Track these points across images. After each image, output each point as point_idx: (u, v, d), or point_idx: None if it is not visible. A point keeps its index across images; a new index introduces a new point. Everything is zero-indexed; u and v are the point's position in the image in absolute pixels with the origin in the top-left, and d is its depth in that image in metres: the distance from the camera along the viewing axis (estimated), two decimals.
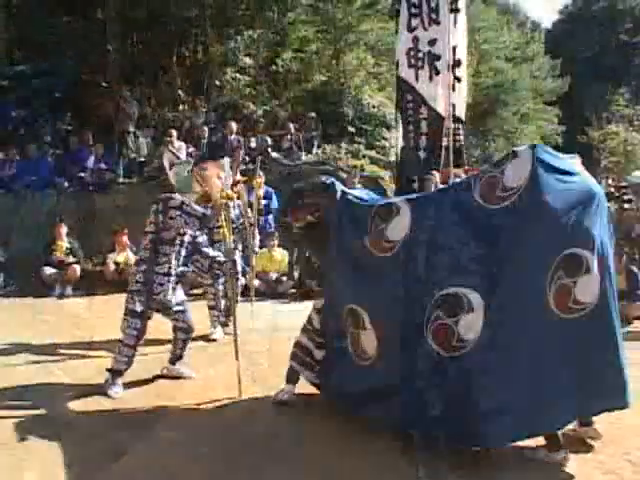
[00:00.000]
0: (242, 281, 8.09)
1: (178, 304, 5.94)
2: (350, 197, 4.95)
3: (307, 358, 5.24)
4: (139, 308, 5.73)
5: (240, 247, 7.84)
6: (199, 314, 6.97)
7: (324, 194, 5.01)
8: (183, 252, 5.97)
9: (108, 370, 5.76)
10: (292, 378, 5.36)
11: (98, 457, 4.32)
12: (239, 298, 7.58)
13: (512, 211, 4.07)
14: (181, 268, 6.05)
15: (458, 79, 12.33)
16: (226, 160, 6.94)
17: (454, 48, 12.13)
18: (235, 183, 6.91)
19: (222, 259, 7.06)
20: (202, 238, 7.07)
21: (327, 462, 4.23)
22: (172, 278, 5.84)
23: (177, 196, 5.82)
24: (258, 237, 8.62)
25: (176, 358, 6.12)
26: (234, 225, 7.33)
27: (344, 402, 4.90)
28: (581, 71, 44.59)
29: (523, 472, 4.06)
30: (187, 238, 5.98)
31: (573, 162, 4.32)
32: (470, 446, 4.19)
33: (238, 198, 6.55)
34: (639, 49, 52.87)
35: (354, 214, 4.81)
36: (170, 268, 5.82)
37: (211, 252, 7.26)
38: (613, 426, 4.57)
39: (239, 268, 7.79)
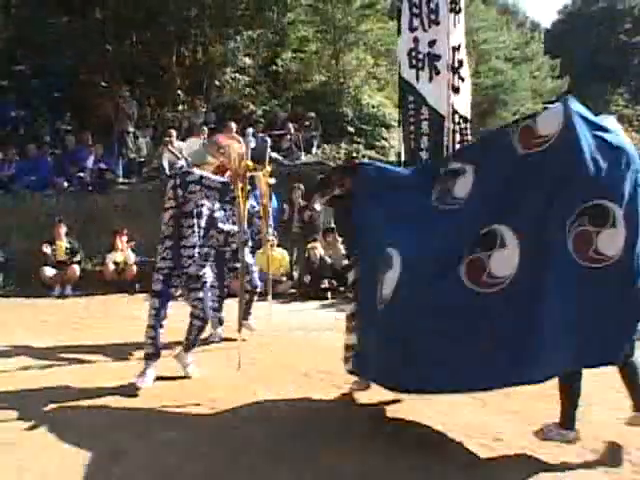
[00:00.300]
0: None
1: (203, 283, 5.90)
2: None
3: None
4: (159, 287, 5.73)
5: (250, 243, 7.72)
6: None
7: (350, 171, 5.17)
8: (202, 224, 5.91)
9: (144, 356, 5.81)
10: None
11: (98, 457, 4.31)
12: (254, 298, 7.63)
13: (544, 156, 4.12)
14: (205, 249, 6.01)
15: (462, 79, 12.34)
16: (250, 130, 6.85)
17: (458, 47, 12.14)
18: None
19: (235, 229, 6.93)
20: (219, 213, 6.96)
21: (328, 462, 4.22)
22: (198, 250, 5.83)
23: (195, 170, 5.78)
24: (272, 226, 8.54)
25: (189, 345, 6.03)
26: (249, 214, 7.28)
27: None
28: (580, 71, 44.64)
29: (522, 472, 4.06)
30: (205, 210, 5.93)
31: (608, 120, 4.38)
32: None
33: (252, 184, 6.47)
34: (638, 49, 52.93)
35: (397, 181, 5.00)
36: (196, 240, 5.80)
37: (226, 226, 7.20)
38: (613, 425, 4.57)
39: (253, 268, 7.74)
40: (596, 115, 4.36)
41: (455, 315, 4.15)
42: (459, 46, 12.29)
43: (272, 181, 6.57)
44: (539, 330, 3.98)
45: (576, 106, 4.18)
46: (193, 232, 5.79)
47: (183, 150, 6.51)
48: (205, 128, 14.87)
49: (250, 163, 5.80)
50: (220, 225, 7.12)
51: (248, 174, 5.74)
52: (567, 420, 4.24)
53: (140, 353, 6.09)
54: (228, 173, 5.84)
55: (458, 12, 12.08)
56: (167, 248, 5.77)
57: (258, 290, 7.68)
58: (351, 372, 5.22)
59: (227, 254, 7.50)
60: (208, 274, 6.00)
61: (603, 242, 3.98)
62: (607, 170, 4.04)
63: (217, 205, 6.27)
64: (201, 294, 5.90)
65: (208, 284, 5.99)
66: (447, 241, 4.38)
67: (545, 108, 4.39)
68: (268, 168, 6.95)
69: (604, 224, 3.98)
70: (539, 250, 4.05)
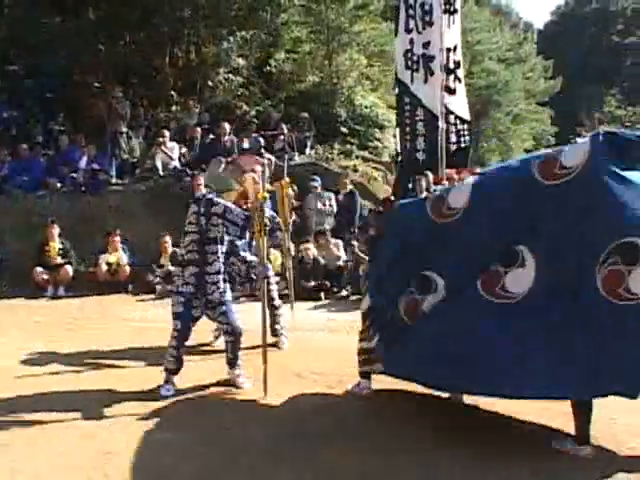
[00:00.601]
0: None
1: (226, 303, 5.87)
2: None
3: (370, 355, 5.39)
4: (180, 309, 5.75)
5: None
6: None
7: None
8: (224, 249, 5.90)
9: (164, 370, 5.80)
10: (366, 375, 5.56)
11: (91, 458, 4.31)
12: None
13: (568, 186, 4.22)
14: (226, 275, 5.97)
15: (459, 79, 12.40)
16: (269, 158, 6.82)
17: (454, 48, 12.20)
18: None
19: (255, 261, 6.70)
20: (240, 241, 6.84)
21: (327, 462, 4.23)
22: (222, 276, 5.83)
23: (220, 201, 5.76)
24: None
25: (230, 362, 5.94)
26: (268, 226, 7.25)
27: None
28: (573, 72, 44.75)
29: (522, 468, 4.07)
30: (227, 237, 5.90)
31: None
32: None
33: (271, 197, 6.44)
34: (630, 50, 53.08)
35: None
36: (219, 266, 5.80)
37: (249, 256, 6.89)
38: (610, 426, 4.60)
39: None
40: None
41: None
42: (455, 47, 12.34)
43: (292, 193, 6.56)
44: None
45: (604, 139, 4.23)
46: (217, 258, 5.79)
47: (206, 176, 6.40)
48: (198, 129, 14.88)
49: (266, 194, 5.83)
50: (242, 253, 6.81)
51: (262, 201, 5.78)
52: (583, 436, 4.28)
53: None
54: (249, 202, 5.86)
55: (453, 13, 12.14)
56: (192, 274, 5.75)
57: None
58: (381, 372, 5.32)
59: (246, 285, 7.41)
60: (227, 296, 5.95)
61: (635, 281, 3.97)
62: (636, 205, 4.07)
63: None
64: (224, 308, 5.84)
65: (228, 297, 5.96)
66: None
67: (571, 142, 4.55)
68: (287, 179, 6.95)
69: (636, 262, 3.98)
70: (560, 276, 4.18)
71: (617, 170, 4.13)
